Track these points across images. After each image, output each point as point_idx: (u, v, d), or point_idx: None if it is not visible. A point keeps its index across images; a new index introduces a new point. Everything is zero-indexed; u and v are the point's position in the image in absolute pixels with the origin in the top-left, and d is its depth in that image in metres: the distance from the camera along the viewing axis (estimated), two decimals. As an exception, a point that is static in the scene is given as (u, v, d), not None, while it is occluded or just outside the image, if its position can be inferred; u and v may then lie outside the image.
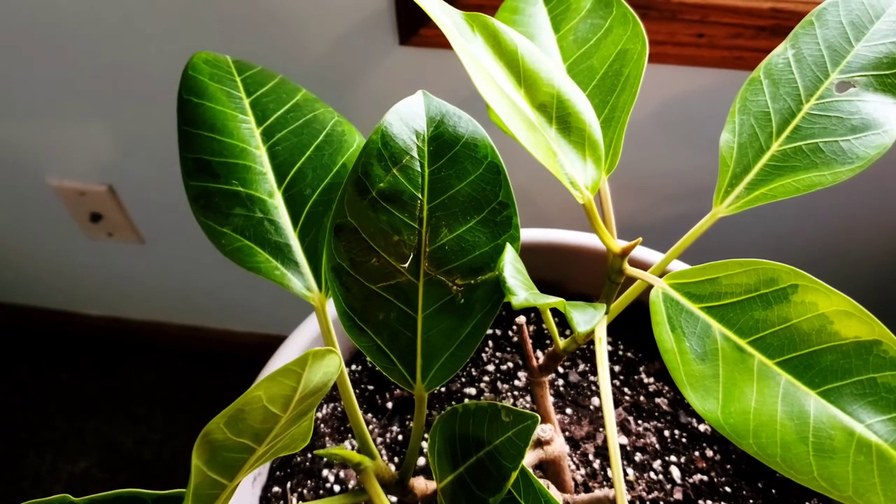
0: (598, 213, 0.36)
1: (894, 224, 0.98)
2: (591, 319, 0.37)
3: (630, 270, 0.37)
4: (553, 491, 0.47)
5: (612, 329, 0.62)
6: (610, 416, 0.36)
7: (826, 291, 0.31)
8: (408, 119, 0.38)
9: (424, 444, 0.56)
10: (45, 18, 0.87)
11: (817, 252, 1.02)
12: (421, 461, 0.55)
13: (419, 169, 0.37)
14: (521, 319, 0.48)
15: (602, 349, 0.38)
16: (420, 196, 0.37)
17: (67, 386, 1.51)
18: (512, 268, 0.36)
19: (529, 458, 0.46)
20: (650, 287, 0.36)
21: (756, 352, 0.32)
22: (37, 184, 1.12)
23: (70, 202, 1.14)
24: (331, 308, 0.49)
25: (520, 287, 0.35)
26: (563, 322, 0.61)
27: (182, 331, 1.46)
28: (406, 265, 0.38)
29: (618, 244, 0.36)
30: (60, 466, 1.43)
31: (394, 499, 0.53)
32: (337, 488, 0.55)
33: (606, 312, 0.40)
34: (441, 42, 0.78)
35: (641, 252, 0.56)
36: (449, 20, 0.34)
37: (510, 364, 0.60)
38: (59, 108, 1.00)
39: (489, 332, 0.62)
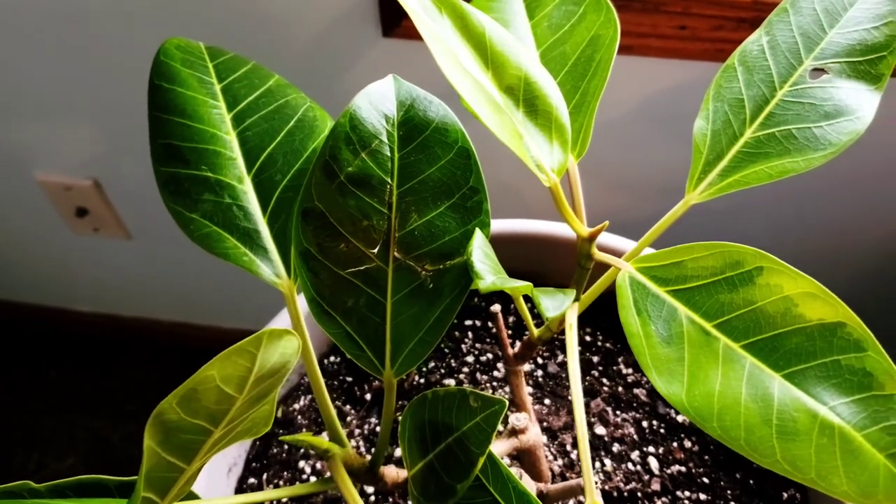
0: (565, 198, 0.36)
1: (883, 228, 0.98)
2: (560, 305, 0.36)
3: (598, 255, 0.37)
4: (528, 480, 0.47)
5: (590, 319, 0.61)
6: (579, 401, 0.35)
7: (791, 274, 0.31)
8: (377, 102, 0.37)
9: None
10: (30, 13, 0.86)
11: (803, 254, 1.02)
12: (398, 452, 0.55)
13: (388, 153, 0.37)
14: (497, 307, 0.48)
15: (572, 335, 0.37)
16: (389, 181, 0.37)
17: (55, 382, 1.51)
18: (480, 252, 0.36)
19: (504, 446, 0.46)
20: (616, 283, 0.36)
21: (721, 335, 0.32)
22: (22, 178, 1.12)
23: (55, 197, 1.13)
24: (300, 300, 0.49)
25: (487, 271, 0.35)
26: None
27: (170, 327, 1.46)
28: (375, 250, 0.37)
29: (585, 228, 0.36)
30: (48, 463, 1.43)
31: (370, 489, 0.52)
32: (314, 480, 0.55)
33: (577, 299, 0.40)
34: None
35: (615, 241, 0.56)
36: (415, 1, 0.33)
37: (489, 355, 0.60)
38: (44, 102, 0.99)
39: (468, 323, 0.62)
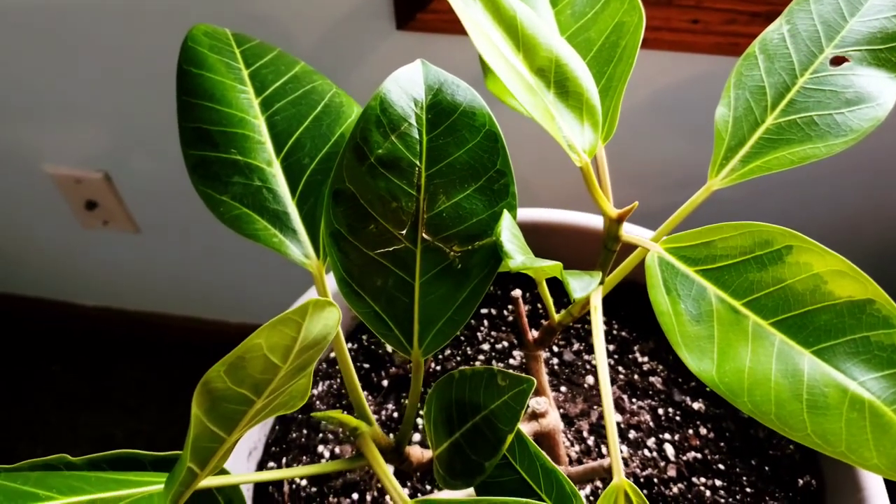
0: (595, 179, 0.36)
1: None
2: (587, 286, 0.37)
3: (626, 237, 0.37)
4: (548, 464, 0.47)
5: (606, 308, 0.62)
6: (605, 379, 0.36)
7: (820, 251, 0.32)
8: (406, 86, 0.38)
9: (420, 421, 0.57)
10: (42, 5, 0.87)
11: (818, 239, 1.03)
12: (416, 437, 0.56)
13: (417, 136, 0.38)
14: (517, 293, 0.48)
15: (597, 317, 0.38)
16: (418, 163, 0.38)
17: (61, 377, 1.51)
18: (509, 233, 0.37)
19: (525, 430, 0.47)
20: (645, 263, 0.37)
21: (751, 313, 0.32)
22: (32, 170, 1.12)
23: (65, 189, 1.13)
24: (329, 280, 0.49)
25: (517, 251, 0.36)
26: (558, 300, 0.61)
27: (176, 322, 1.46)
28: (404, 232, 0.38)
29: (613, 210, 0.36)
30: (52, 457, 1.43)
31: (391, 468, 0.53)
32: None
33: (602, 282, 0.40)
34: (438, 27, 0.78)
35: (636, 230, 0.56)
36: (448, -15, 0.34)
37: (505, 343, 0.61)
38: (55, 95, 1.00)
39: (484, 311, 0.62)
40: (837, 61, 0.41)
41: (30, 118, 1.04)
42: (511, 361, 0.60)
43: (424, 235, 0.38)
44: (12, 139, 1.08)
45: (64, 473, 0.33)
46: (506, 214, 0.37)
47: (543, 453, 0.36)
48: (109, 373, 1.51)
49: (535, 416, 0.47)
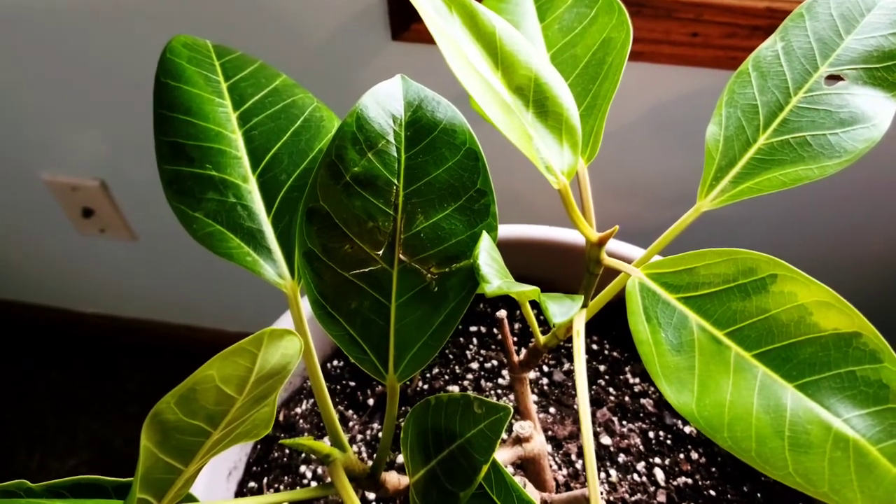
0: (575, 201, 0.35)
1: (891, 236, 0.97)
2: (567, 311, 0.36)
3: (608, 261, 0.36)
4: (531, 489, 0.46)
5: (598, 328, 0.61)
6: (585, 409, 0.35)
7: (805, 281, 0.30)
8: (385, 103, 0.37)
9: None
10: (38, 14, 0.86)
11: (815, 263, 1.01)
12: (400, 459, 0.54)
13: (395, 154, 0.37)
14: (502, 313, 0.47)
15: (579, 342, 0.37)
16: (396, 182, 0.36)
17: (58, 383, 1.50)
18: (487, 255, 0.35)
19: (508, 455, 0.45)
20: (626, 289, 0.35)
21: (733, 343, 0.31)
22: (29, 178, 1.12)
23: (62, 197, 1.13)
24: (304, 301, 0.48)
25: (494, 275, 0.34)
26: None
27: (174, 330, 1.45)
28: (380, 252, 0.37)
29: (594, 233, 0.35)
30: (50, 464, 1.42)
31: (371, 495, 0.52)
32: (314, 485, 0.54)
33: (585, 305, 0.39)
34: (433, 37, 0.77)
35: (624, 248, 0.55)
36: (425, 0, 0.33)
37: (494, 362, 0.59)
38: (52, 102, 0.99)
39: (473, 329, 0.61)
40: (832, 80, 0.40)
41: (26, 126, 1.03)
42: (500, 381, 0.59)
43: (401, 256, 0.37)
44: (9, 147, 1.07)
45: (20, 502, 0.32)
46: (485, 236, 0.36)
47: (519, 484, 0.35)
48: (108, 379, 1.50)
49: (519, 440, 0.46)
